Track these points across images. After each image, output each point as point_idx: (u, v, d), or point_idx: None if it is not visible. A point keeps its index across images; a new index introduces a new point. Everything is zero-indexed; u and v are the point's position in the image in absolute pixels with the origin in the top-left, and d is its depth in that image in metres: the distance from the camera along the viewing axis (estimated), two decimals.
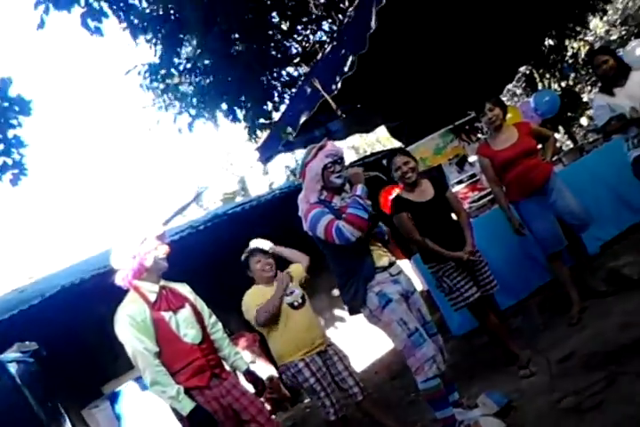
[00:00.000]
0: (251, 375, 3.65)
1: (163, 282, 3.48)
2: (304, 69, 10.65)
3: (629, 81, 4.46)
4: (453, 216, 4.33)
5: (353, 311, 3.47)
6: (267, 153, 7.94)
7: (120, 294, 3.40)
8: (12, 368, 2.93)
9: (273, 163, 11.09)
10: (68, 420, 3.58)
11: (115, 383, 7.13)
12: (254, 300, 4.02)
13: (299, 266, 4.27)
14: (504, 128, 4.56)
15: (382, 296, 3.26)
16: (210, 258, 7.62)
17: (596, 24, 18.43)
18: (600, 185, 5.68)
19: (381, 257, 3.40)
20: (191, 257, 6.84)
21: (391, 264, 3.42)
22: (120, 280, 3.40)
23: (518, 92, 18.46)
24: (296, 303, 4.04)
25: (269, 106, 10.36)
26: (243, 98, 10.19)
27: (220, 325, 3.68)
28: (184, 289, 3.61)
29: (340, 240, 3.22)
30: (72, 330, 6.68)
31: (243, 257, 4.20)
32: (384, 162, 7.32)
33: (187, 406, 3.16)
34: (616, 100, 4.45)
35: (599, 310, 4.18)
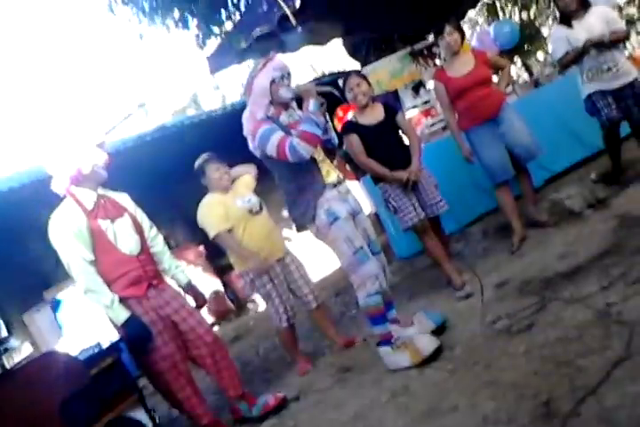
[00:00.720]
0: (191, 289, 3.70)
1: (101, 191, 3.42)
2: None
3: (588, 15, 4.49)
4: (406, 141, 4.35)
5: (300, 228, 3.47)
6: (217, 63, 7.65)
7: (60, 200, 3.33)
8: None
9: (226, 78, 10.78)
10: (3, 326, 3.53)
11: (56, 289, 7.12)
12: (213, 208, 4.01)
13: (248, 175, 4.25)
14: (461, 54, 4.53)
15: (330, 214, 3.27)
16: (156, 170, 7.50)
17: None
18: (552, 118, 5.74)
19: (330, 173, 3.41)
20: (137, 168, 6.73)
21: (339, 182, 3.42)
22: (56, 186, 3.32)
23: (480, 20, 18.22)
24: (254, 210, 4.05)
25: (223, 14, 9.98)
26: (195, 7, 9.79)
27: (160, 237, 3.68)
28: (123, 199, 3.56)
29: (294, 158, 3.18)
30: (13, 235, 6.57)
31: (197, 164, 4.14)
32: (340, 82, 7.23)
33: (121, 314, 3.17)
34: (574, 33, 4.50)
35: (539, 239, 4.32)
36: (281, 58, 3.38)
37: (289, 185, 3.41)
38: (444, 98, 4.57)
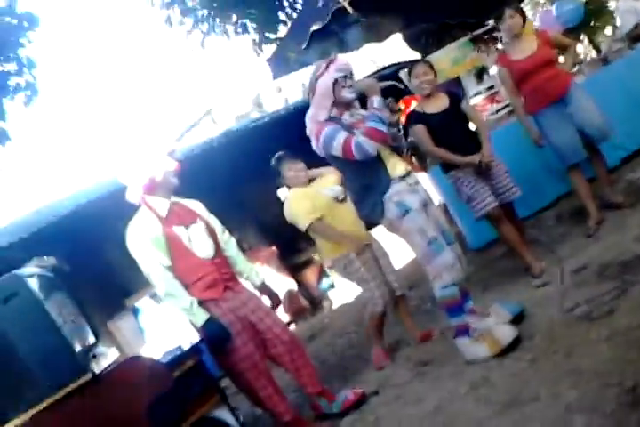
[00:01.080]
0: (265, 289, 3.75)
1: (174, 198, 3.51)
2: None
3: None
4: (472, 127, 4.33)
5: (370, 225, 3.48)
6: (277, 69, 7.74)
7: (136, 210, 3.44)
8: (32, 283, 2.97)
9: (287, 79, 10.87)
10: (91, 333, 3.67)
11: (137, 297, 7.35)
12: (299, 202, 4.06)
13: (331, 173, 4.25)
14: (523, 37, 4.42)
15: (401, 206, 3.25)
16: (224, 174, 7.62)
17: None
18: (624, 95, 5.50)
19: (396, 166, 3.37)
20: (205, 174, 6.85)
21: (408, 173, 3.39)
22: (131, 196, 3.44)
23: (541, 0, 17.67)
24: (340, 197, 4.07)
25: (281, 16, 10.07)
26: (253, 11, 9.91)
27: (233, 241, 3.75)
28: (196, 206, 3.65)
29: (360, 155, 3.19)
30: (92, 246, 6.81)
31: (272, 164, 4.20)
32: (401, 74, 7.17)
33: (200, 317, 3.24)
34: None
35: (616, 222, 4.17)
36: (343, 58, 3.39)
37: (354, 183, 3.42)
38: (509, 82, 4.47)
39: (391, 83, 3.44)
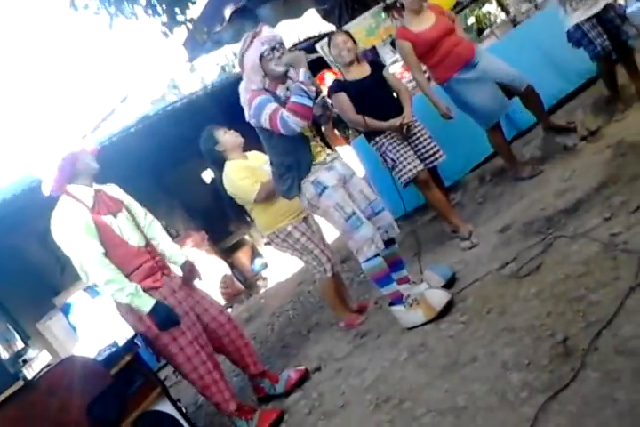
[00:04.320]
0: (188, 265, 3.55)
1: (96, 185, 3.36)
2: None
3: None
4: (394, 95, 4.32)
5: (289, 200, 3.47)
6: (192, 51, 7.57)
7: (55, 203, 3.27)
8: None
9: (202, 59, 10.62)
10: (19, 338, 3.53)
11: (65, 295, 7.13)
12: (239, 174, 4.00)
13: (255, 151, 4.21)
14: (422, 10, 4.39)
15: (317, 184, 3.28)
16: (146, 160, 7.42)
17: None
18: (535, 55, 5.58)
19: (319, 154, 3.36)
20: (126, 161, 6.66)
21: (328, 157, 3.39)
22: (51, 187, 3.26)
23: None
24: None
25: None
26: None
27: (156, 224, 3.61)
28: (116, 191, 3.51)
29: (286, 130, 3.14)
30: (13, 248, 6.56)
31: (205, 135, 4.10)
32: (317, 46, 7.10)
33: (148, 301, 3.13)
34: None
35: (536, 179, 4.24)
36: (268, 29, 3.28)
37: (277, 159, 3.38)
38: (412, 57, 4.39)
39: (318, 55, 3.37)
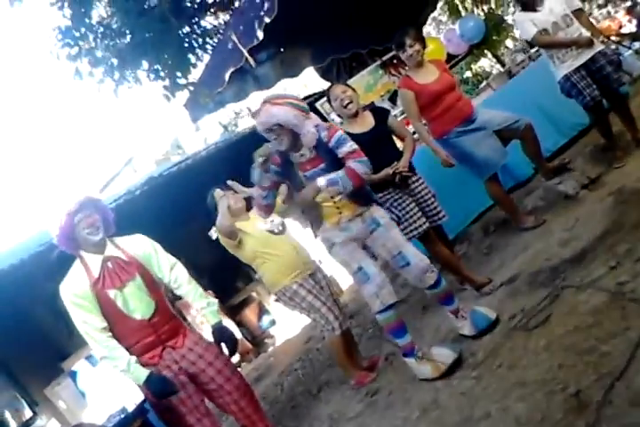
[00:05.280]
0: (217, 333, 3.42)
1: (110, 248, 3.33)
2: (224, 17, 10.34)
3: (547, 0, 4.55)
4: (399, 145, 4.33)
5: None
6: (195, 112, 7.72)
7: (65, 268, 3.28)
8: None
9: (206, 119, 10.82)
10: (27, 407, 3.49)
11: (74, 359, 7.05)
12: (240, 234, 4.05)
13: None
14: (425, 63, 4.49)
15: (326, 241, 3.41)
16: (151, 221, 7.40)
17: None
18: (530, 107, 5.67)
19: (332, 215, 3.38)
20: (131, 223, 6.65)
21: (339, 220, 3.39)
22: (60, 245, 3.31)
23: (443, 19, 18.34)
24: (276, 230, 4.00)
25: (192, 58, 10.07)
26: (164, 56, 9.89)
27: (182, 277, 3.46)
28: (136, 245, 3.43)
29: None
30: (21, 312, 6.54)
31: (209, 197, 4.17)
32: (317, 105, 7.24)
33: (141, 375, 3.11)
34: (537, 15, 4.53)
35: (540, 229, 4.24)
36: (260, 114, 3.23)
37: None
38: (413, 106, 4.42)
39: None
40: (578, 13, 4.60)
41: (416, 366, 3.28)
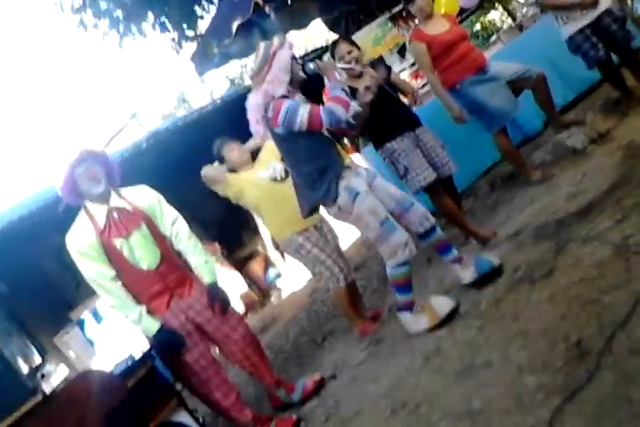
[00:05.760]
0: (212, 292, 3.45)
1: (115, 199, 3.35)
2: None
3: None
4: (404, 100, 4.36)
5: (315, 211, 3.47)
6: (201, 66, 7.64)
7: (73, 219, 3.31)
8: None
9: (213, 73, 10.72)
10: (37, 353, 3.56)
11: (81, 308, 7.16)
12: (241, 184, 4.07)
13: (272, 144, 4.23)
14: (434, 16, 4.44)
15: (350, 190, 3.24)
16: (158, 175, 7.42)
17: None
18: (540, 61, 5.60)
19: (345, 157, 3.44)
20: (138, 176, 6.67)
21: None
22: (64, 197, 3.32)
23: None
24: (279, 177, 3.99)
25: (197, 10, 9.91)
26: (169, 8, 9.73)
27: (184, 232, 3.50)
28: (141, 197, 3.45)
29: (332, 120, 3.17)
30: (29, 263, 6.61)
31: (215, 151, 4.18)
32: (325, 59, 7.14)
33: (151, 326, 3.17)
34: None
35: (547, 183, 4.23)
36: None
37: (309, 166, 3.32)
38: (426, 57, 4.38)
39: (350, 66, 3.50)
40: None
41: (410, 320, 3.32)
